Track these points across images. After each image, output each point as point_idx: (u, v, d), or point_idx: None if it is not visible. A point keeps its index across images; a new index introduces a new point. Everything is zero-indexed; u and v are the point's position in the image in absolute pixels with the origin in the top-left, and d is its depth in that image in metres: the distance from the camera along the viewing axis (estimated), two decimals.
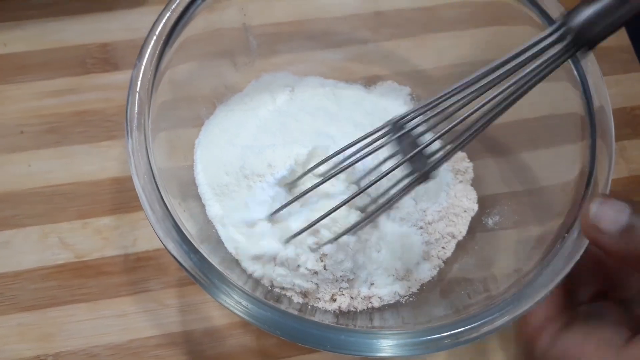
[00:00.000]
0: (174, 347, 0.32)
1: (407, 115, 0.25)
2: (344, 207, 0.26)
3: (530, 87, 0.22)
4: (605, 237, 0.22)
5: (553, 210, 0.27)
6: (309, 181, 0.29)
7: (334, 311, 0.29)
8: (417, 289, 0.31)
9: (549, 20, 0.28)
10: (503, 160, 0.33)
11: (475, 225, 0.33)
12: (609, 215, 0.22)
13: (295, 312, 0.26)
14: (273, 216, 0.29)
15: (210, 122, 0.34)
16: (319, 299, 0.29)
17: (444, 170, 0.34)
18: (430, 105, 0.24)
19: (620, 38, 0.42)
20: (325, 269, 0.28)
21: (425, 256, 0.31)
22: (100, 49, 0.39)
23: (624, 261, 0.23)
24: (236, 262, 0.29)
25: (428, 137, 0.25)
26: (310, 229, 0.27)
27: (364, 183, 0.28)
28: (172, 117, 0.30)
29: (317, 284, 0.29)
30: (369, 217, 0.28)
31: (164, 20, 0.28)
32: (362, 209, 0.29)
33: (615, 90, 0.40)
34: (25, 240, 0.34)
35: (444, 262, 0.32)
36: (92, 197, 0.35)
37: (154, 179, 0.25)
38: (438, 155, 0.25)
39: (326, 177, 0.27)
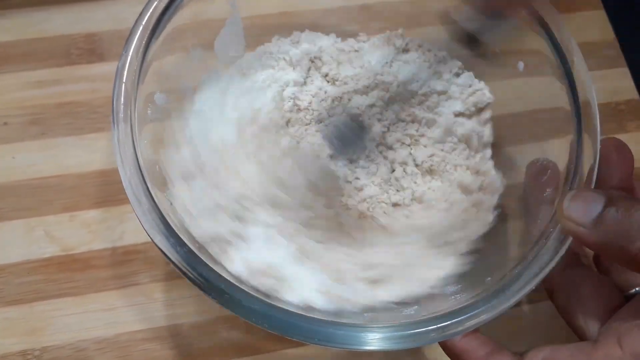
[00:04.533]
0: (162, 341, 0.32)
1: None
2: None
3: None
4: (580, 229, 0.22)
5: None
6: None
7: None
8: None
9: (538, 16, 0.29)
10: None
11: None
12: (581, 206, 0.22)
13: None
14: None
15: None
16: None
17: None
18: None
19: (605, 33, 0.42)
20: None
21: None
22: (86, 39, 0.39)
23: (603, 253, 0.23)
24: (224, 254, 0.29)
25: None
26: None
27: None
28: (158, 109, 0.29)
29: None
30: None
31: (150, 10, 0.28)
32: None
33: (600, 85, 0.40)
34: (10, 233, 0.34)
35: None
36: (78, 190, 0.35)
37: (141, 171, 0.25)
38: None
39: None
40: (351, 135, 0.32)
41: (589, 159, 0.25)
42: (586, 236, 0.22)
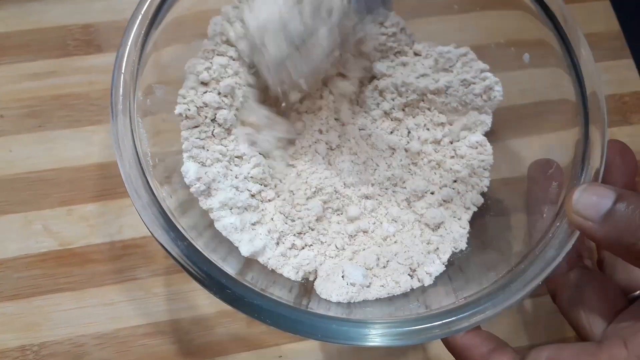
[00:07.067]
0: (161, 336, 0.32)
1: None
2: None
3: None
4: (588, 223, 0.22)
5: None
6: None
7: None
8: None
9: (542, 5, 0.28)
10: (492, 147, 0.33)
11: None
12: (590, 201, 0.22)
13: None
14: None
15: None
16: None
17: None
18: None
19: (610, 24, 0.42)
20: None
21: None
22: (83, 30, 0.38)
23: (610, 248, 0.23)
24: (226, 249, 0.29)
25: None
26: None
27: None
28: (158, 101, 0.29)
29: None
30: None
31: (149, 0, 0.27)
32: None
33: (604, 77, 0.39)
34: (7, 227, 0.33)
35: None
36: (76, 184, 0.35)
37: (140, 164, 0.24)
38: None
39: None
40: None
41: (596, 152, 0.25)
42: (594, 231, 0.22)
